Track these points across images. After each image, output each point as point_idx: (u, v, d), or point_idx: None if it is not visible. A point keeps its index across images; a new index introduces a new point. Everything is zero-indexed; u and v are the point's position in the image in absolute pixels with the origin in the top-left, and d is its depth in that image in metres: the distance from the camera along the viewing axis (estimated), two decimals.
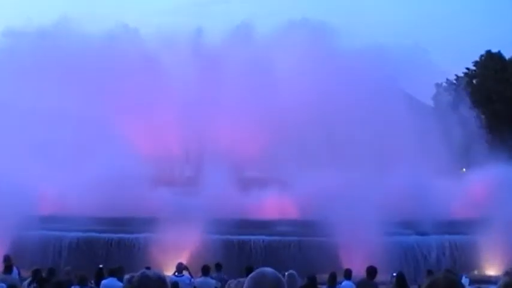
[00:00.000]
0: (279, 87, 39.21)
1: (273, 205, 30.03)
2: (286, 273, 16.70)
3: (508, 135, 49.42)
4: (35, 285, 15.43)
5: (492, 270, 25.91)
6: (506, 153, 36.96)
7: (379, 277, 19.73)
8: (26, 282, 16.57)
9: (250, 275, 4.04)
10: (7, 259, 19.58)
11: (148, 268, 18.38)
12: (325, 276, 18.82)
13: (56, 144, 33.50)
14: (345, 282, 17.55)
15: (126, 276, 16.81)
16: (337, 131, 36.95)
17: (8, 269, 18.42)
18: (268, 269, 4.04)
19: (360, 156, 33.90)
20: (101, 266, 18.98)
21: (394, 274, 18.89)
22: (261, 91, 38.82)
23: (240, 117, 38.19)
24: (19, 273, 18.99)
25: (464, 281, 19.13)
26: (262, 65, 39.39)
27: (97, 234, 25.68)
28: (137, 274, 3.92)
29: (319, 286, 16.87)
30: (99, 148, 32.57)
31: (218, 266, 19.59)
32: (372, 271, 17.83)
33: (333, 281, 17.93)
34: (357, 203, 24.74)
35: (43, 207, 27.25)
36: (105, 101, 37.24)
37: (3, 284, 16.24)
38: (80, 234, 25.64)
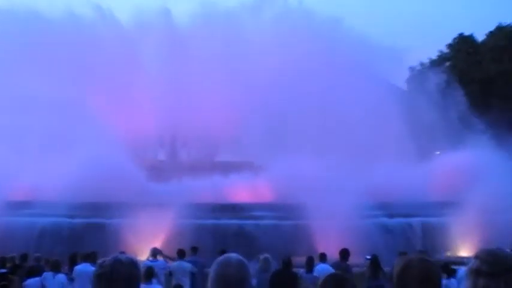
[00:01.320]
0: (253, 68, 39.15)
1: (247, 189, 30.12)
2: (260, 257, 16.83)
3: (480, 116, 49.87)
4: (2, 271, 15.27)
5: (464, 252, 26.22)
6: (478, 135, 37.30)
7: (354, 260, 19.89)
8: None
9: (216, 260, 4.09)
10: None
11: (122, 253, 18.35)
12: (300, 259, 18.93)
13: (28, 130, 33.25)
14: (320, 265, 17.63)
15: (98, 261, 16.81)
16: (311, 116, 36.95)
17: None
18: (233, 254, 4.11)
19: (333, 141, 33.98)
20: (74, 252, 18.87)
21: (368, 257, 19.00)
22: (235, 73, 38.76)
23: (213, 100, 38.12)
24: None
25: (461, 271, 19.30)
26: (233, 45, 39.29)
27: (70, 220, 25.55)
28: (109, 258, 3.89)
29: (294, 269, 16.94)
30: (72, 133, 32.40)
31: (194, 249, 19.57)
32: (344, 253, 17.97)
33: (310, 264, 18.03)
34: (330, 186, 24.85)
35: (15, 194, 27.07)
36: (79, 84, 36.99)
37: None
38: (53, 219, 25.47)
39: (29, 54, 37.75)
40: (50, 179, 27.71)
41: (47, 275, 15.75)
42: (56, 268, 16.16)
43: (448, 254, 26.55)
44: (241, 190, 30.22)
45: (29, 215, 25.78)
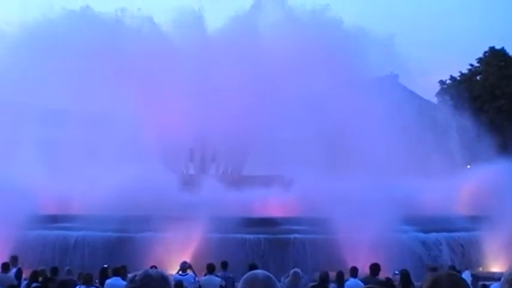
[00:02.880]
0: (280, 82, 39.24)
1: (276, 203, 30.08)
2: (290, 272, 16.78)
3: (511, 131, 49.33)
4: (34, 285, 15.37)
5: (496, 267, 25.85)
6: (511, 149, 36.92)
7: (384, 274, 19.77)
8: (24, 284, 16.53)
9: (243, 277, 4.12)
10: (12, 259, 19.56)
11: (154, 267, 18.45)
12: (330, 274, 18.85)
13: (61, 144, 33.64)
14: (351, 280, 17.53)
15: (129, 275, 16.87)
16: (336, 130, 36.84)
17: (5, 268, 18.34)
18: (259, 271, 4.14)
19: (361, 156, 33.86)
20: (105, 265, 18.98)
21: (397, 272, 18.89)
22: (263, 85, 38.84)
23: (242, 113, 38.19)
24: (18, 273, 18.87)
25: (466, 275, 19.12)
26: (262, 57, 39.35)
27: (101, 233, 25.66)
28: (140, 273, 3.91)
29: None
30: (106, 146, 32.76)
31: (224, 264, 19.54)
32: (375, 268, 17.90)
33: (340, 279, 17.97)
34: (360, 201, 24.69)
35: (46, 207, 27.33)
36: (114, 95, 37.32)
37: None
38: (84, 233, 25.63)
39: (64, 66, 38.06)
40: (81, 193, 27.99)
41: None
42: (88, 282, 16.21)
43: (480, 269, 26.18)
44: (271, 204, 30.21)
45: (61, 229, 25.99)
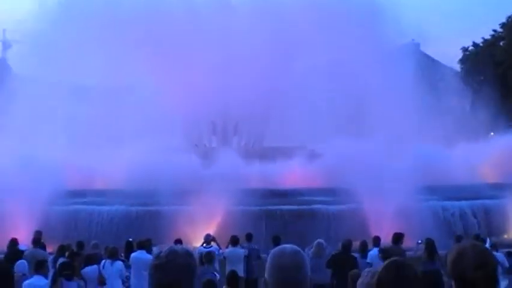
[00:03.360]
0: (300, 49, 39.05)
1: (299, 174, 30.10)
2: (314, 243, 16.86)
3: None
4: (63, 259, 15.54)
5: None
6: None
7: (408, 243, 19.79)
8: (51, 258, 16.72)
9: (271, 252, 4.14)
10: (37, 234, 19.79)
11: (178, 241, 18.60)
12: (354, 244, 18.91)
13: (86, 120, 33.95)
14: (374, 250, 17.57)
15: (155, 251, 17.07)
16: (356, 98, 36.71)
17: (37, 243, 18.62)
18: (288, 245, 4.16)
19: (382, 124, 33.74)
20: (130, 239, 19.16)
21: (420, 241, 18.90)
22: (282, 59, 38.70)
23: (262, 85, 38.12)
24: (43, 248, 19.13)
25: (488, 243, 19.08)
26: (281, 32, 39.15)
27: (126, 207, 25.87)
28: (165, 249, 3.96)
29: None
30: (130, 121, 33.00)
31: (248, 236, 19.60)
32: (398, 237, 17.88)
33: (364, 248, 18.04)
34: (383, 170, 24.63)
35: (72, 182, 27.55)
36: (138, 69, 37.55)
37: (24, 261, 16.45)
38: (108, 208, 25.86)
39: (92, 40, 38.31)
40: (106, 168, 28.22)
41: (105, 262, 16.03)
42: (113, 256, 16.40)
43: (506, 236, 26.10)
44: (294, 175, 30.24)
45: (85, 204, 26.23)
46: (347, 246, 16.82)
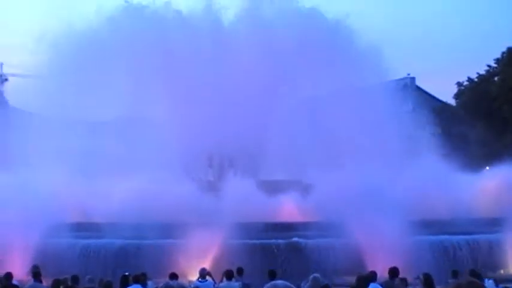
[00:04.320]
0: (294, 84, 39.50)
1: (295, 208, 30.05)
2: (311, 277, 16.77)
3: None
4: None
5: None
6: None
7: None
8: None
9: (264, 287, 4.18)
10: (35, 268, 19.70)
11: (174, 275, 18.52)
12: (349, 279, 18.84)
13: (90, 154, 34.15)
14: (371, 285, 17.46)
15: (150, 286, 17.00)
16: (353, 131, 36.91)
17: (37, 276, 18.56)
18: (280, 281, 4.22)
19: (378, 157, 33.87)
20: (126, 273, 19.06)
21: (417, 276, 18.81)
22: (279, 89, 39.04)
23: (259, 117, 38.30)
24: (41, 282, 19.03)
25: (488, 284, 18.96)
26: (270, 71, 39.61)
27: (121, 241, 25.77)
28: (161, 285, 3.99)
29: None
30: (131, 155, 33.19)
31: (240, 271, 19.53)
32: (393, 272, 17.87)
33: (360, 283, 17.94)
34: (378, 204, 24.62)
35: (70, 215, 27.44)
36: (142, 102, 37.93)
37: None
38: (104, 241, 25.77)
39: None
40: (102, 201, 28.16)
41: None
42: None
43: (502, 272, 25.98)
44: (289, 209, 30.19)
45: (82, 237, 26.09)
46: (362, 279, 16.71)
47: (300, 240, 25.93)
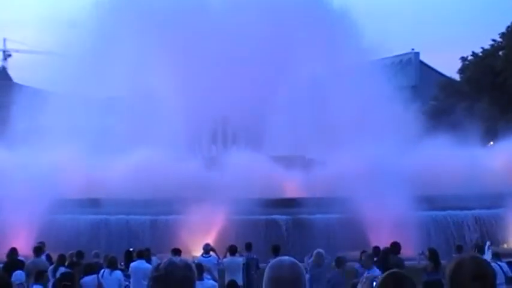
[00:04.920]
0: (296, 62, 39.47)
1: (299, 184, 30.08)
2: (314, 252, 16.83)
3: None
4: (63, 269, 15.51)
5: None
6: None
7: (407, 253, 19.79)
8: (51, 267, 16.69)
9: (269, 264, 4.17)
10: (39, 244, 19.79)
11: (177, 250, 18.56)
12: (353, 254, 18.92)
13: (101, 131, 34.41)
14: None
15: (154, 261, 17.05)
16: (355, 108, 36.89)
17: (38, 252, 18.63)
18: (286, 257, 4.21)
19: (379, 134, 33.87)
20: (130, 248, 19.14)
21: (421, 252, 18.88)
22: (284, 69, 38.96)
23: (263, 97, 38.23)
24: (49, 258, 19.15)
25: (487, 252, 18.99)
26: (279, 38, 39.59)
27: (125, 217, 25.85)
28: (164, 261, 3.97)
29: (349, 263, 16.95)
30: (138, 131, 33.39)
31: (248, 246, 19.58)
32: (395, 247, 17.96)
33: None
34: (382, 179, 24.60)
35: (75, 191, 27.47)
36: (154, 78, 38.16)
37: (21, 271, 16.45)
38: (108, 217, 25.85)
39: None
40: (107, 177, 28.22)
41: (104, 271, 16.00)
42: (112, 265, 16.36)
43: (505, 246, 26.06)
44: (293, 184, 30.21)
45: (87, 213, 26.13)
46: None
47: (304, 216, 26.02)
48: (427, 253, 18.03)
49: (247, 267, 18.47)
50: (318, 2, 43.67)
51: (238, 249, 19.17)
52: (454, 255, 16.71)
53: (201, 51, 39.48)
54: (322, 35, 40.42)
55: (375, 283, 4.21)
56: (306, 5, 42.51)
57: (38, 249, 18.83)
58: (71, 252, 18.32)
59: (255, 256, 19.00)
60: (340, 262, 16.04)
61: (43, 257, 18.75)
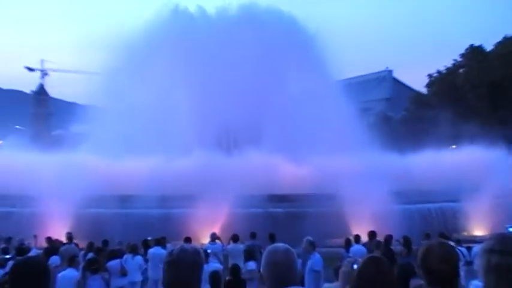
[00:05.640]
0: (285, 81, 39.76)
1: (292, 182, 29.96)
2: (304, 239, 16.76)
3: (490, 116, 49.02)
4: (91, 254, 15.47)
5: (478, 232, 25.76)
6: (490, 132, 36.72)
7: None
8: (82, 253, 16.66)
9: (266, 250, 4.24)
10: (69, 234, 19.84)
11: (188, 238, 18.50)
12: (338, 241, 18.88)
13: (128, 136, 34.57)
14: (355, 246, 17.53)
15: (168, 248, 16.99)
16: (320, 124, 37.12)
17: (70, 240, 18.73)
18: (280, 244, 4.27)
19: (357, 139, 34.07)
20: (149, 238, 19.08)
21: (396, 239, 18.90)
22: (273, 87, 39.23)
23: (258, 110, 38.42)
24: (76, 246, 19.13)
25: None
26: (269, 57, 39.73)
27: (144, 211, 25.79)
28: (177, 248, 3.99)
29: (335, 249, 16.96)
30: (156, 137, 33.51)
31: (253, 235, 19.50)
32: (372, 235, 18.10)
33: (348, 245, 18.00)
34: (362, 179, 24.56)
35: (101, 189, 27.33)
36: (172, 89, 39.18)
37: (57, 256, 16.47)
38: (130, 210, 25.79)
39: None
40: (130, 177, 28.05)
41: (127, 257, 15.99)
42: (134, 251, 16.42)
43: (465, 233, 26.07)
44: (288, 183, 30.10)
45: (112, 207, 26.02)
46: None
47: (296, 209, 26.00)
48: (401, 240, 18.08)
49: (252, 252, 18.38)
50: (298, 30, 44.30)
51: (240, 238, 19.13)
52: (422, 241, 16.67)
53: (210, 73, 39.67)
54: (299, 58, 40.94)
55: (355, 265, 4.20)
56: (287, 34, 43.09)
57: (69, 238, 18.92)
58: (90, 241, 18.25)
59: (258, 243, 18.94)
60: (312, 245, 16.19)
61: (72, 244, 18.79)
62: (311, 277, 14.81)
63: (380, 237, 18.50)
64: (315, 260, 15.08)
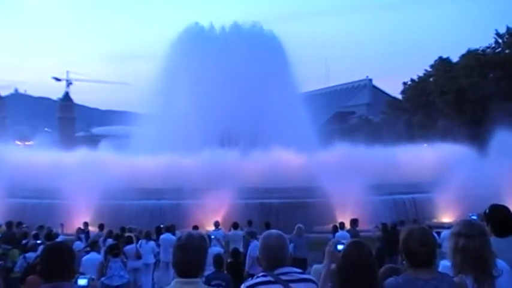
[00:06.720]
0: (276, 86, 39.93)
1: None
2: (296, 226, 16.77)
3: (457, 119, 49.14)
4: (111, 240, 15.44)
5: (446, 219, 25.80)
6: (457, 132, 36.88)
7: (364, 227, 19.79)
8: (101, 239, 16.65)
9: (261, 235, 4.30)
10: (85, 224, 20.02)
11: (195, 226, 18.46)
12: (325, 227, 18.86)
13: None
14: (340, 232, 17.52)
15: (178, 234, 16.94)
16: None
17: (100, 229, 18.96)
18: (274, 230, 4.32)
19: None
20: (161, 225, 19.05)
21: (376, 226, 18.92)
22: (261, 95, 39.57)
23: (256, 113, 38.47)
24: (86, 236, 19.25)
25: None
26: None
27: (156, 202, 25.73)
28: (185, 233, 4.02)
29: (322, 235, 16.94)
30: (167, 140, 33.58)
31: (249, 222, 19.48)
32: (354, 222, 18.20)
33: (334, 231, 18.01)
34: (346, 173, 24.53)
35: (119, 182, 27.16)
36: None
37: (79, 242, 16.51)
38: (145, 201, 25.73)
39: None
40: (145, 172, 27.91)
41: (141, 242, 15.99)
42: (148, 237, 16.44)
43: (435, 220, 26.12)
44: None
45: (129, 199, 25.82)
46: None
47: (289, 200, 25.94)
48: (380, 227, 18.10)
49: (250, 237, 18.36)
50: (276, 47, 44.97)
51: (240, 225, 19.11)
52: (398, 228, 16.72)
53: (213, 83, 39.74)
54: (277, 70, 41.38)
55: (339, 246, 4.21)
56: (265, 49, 43.41)
57: (101, 225, 19.07)
58: (109, 229, 18.22)
59: (254, 229, 18.90)
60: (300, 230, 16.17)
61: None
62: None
63: (362, 224, 18.53)
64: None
